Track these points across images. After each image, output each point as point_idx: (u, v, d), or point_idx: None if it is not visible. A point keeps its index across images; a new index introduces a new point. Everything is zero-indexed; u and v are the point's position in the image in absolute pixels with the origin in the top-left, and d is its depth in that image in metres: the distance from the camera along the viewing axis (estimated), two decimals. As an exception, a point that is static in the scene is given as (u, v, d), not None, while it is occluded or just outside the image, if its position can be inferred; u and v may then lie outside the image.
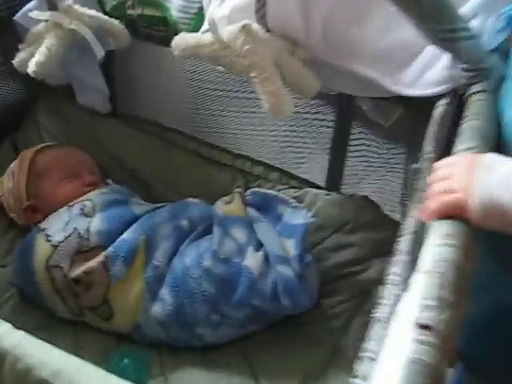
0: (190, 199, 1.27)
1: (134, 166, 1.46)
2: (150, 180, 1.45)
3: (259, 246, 1.12)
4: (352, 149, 1.33)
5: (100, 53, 1.21)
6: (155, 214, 1.20)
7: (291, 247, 1.10)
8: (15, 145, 1.53)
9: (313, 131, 1.34)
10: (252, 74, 0.97)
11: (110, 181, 1.39)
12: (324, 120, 1.31)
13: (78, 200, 1.26)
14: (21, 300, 1.24)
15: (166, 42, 1.26)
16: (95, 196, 1.25)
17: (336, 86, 1.13)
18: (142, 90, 1.52)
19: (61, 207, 1.24)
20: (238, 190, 1.28)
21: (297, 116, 1.33)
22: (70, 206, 1.24)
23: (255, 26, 1.00)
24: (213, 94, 1.46)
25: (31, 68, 1.17)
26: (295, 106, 1.28)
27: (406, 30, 0.88)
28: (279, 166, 1.43)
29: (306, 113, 1.31)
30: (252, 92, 1.38)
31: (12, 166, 1.37)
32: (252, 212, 1.20)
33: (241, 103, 1.43)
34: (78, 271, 1.12)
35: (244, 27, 0.98)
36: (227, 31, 1.00)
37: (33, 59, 1.17)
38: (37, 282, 1.15)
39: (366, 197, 1.31)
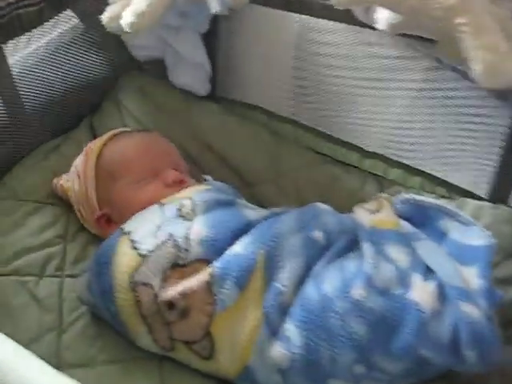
0: (319, 204, 0.96)
1: (236, 161, 1.18)
2: (255, 179, 1.16)
3: (427, 272, 0.80)
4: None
5: (215, 7, 0.93)
6: (277, 221, 0.90)
7: (474, 277, 0.78)
8: (92, 128, 1.26)
9: (478, 130, 1.02)
10: (458, 21, 0.66)
11: (208, 177, 1.10)
12: (496, 119, 0.99)
13: (172, 197, 0.97)
14: (93, 322, 0.97)
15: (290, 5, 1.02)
16: (195, 194, 0.96)
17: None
18: (248, 70, 1.23)
19: None
20: (384, 195, 0.96)
21: (458, 111, 1.01)
22: (163, 204, 0.95)
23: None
24: (338, 80, 1.15)
25: (127, 19, 0.90)
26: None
27: None
28: (421, 169, 1.11)
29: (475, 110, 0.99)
30: (390, 80, 1.07)
31: (77, 162, 1.11)
32: (406, 225, 0.89)
33: (374, 90, 1.11)
34: (172, 292, 0.84)
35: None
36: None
37: (128, 9, 0.90)
38: (116, 302, 0.87)
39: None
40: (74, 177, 1.09)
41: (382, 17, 0.83)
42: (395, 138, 1.14)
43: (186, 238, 0.87)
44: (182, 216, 0.91)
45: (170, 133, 1.20)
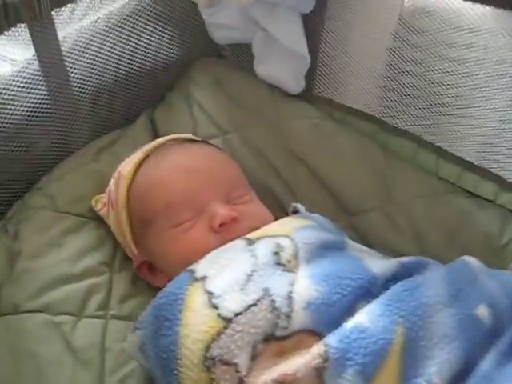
0: (471, 260, 0.69)
1: (336, 181, 0.92)
2: (359, 206, 0.91)
3: None
4: None
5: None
6: (419, 284, 0.64)
7: None
8: (154, 123, 1.01)
9: None
10: None
11: (300, 207, 0.84)
12: None
13: (263, 232, 0.72)
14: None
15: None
16: (295, 231, 0.71)
17: None
18: (354, 69, 0.97)
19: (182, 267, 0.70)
20: None
21: None
22: (251, 241, 0.70)
23: None
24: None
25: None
26: None
27: None
28: None
29: None
30: None
31: (110, 185, 0.86)
32: None
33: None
34: (265, 378, 0.58)
35: None
36: None
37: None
38: (180, 379, 0.63)
39: None
40: (108, 204, 0.85)
41: None
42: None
43: (289, 299, 0.61)
44: (281, 264, 0.66)
45: (249, 137, 0.96)
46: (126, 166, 0.84)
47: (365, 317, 0.60)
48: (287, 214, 0.91)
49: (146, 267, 0.82)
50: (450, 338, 0.58)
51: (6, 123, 0.83)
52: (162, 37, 0.98)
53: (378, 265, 0.68)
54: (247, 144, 0.95)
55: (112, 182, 0.86)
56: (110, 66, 0.95)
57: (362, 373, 0.57)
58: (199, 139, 0.92)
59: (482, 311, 0.61)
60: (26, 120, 0.86)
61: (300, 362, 0.58)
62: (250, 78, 0.99)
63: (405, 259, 0.70)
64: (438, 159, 0.91)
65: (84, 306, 0.79)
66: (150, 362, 0.67)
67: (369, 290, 0.63)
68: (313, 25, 0.92)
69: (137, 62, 0.97)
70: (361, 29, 0.97)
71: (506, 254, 0.83)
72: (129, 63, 0.96)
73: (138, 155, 0.85)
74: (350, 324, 0.59)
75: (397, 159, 0.92)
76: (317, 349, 0.58)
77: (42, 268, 0.80)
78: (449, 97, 0.94)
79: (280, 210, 0.92)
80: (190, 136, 0.92)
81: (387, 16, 0.95)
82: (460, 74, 0.92)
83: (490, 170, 0.89)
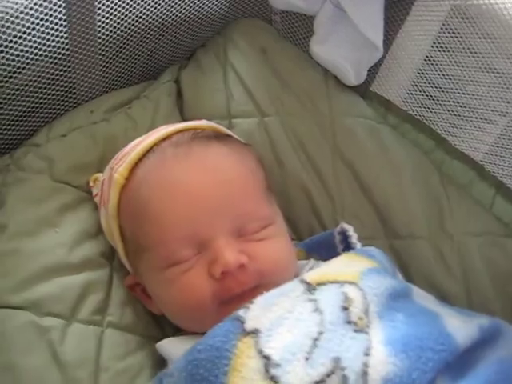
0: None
1: (384, 199, 0.78)
2: (406, 230, 0.78)
3: None
4: None
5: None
6: (508, 365, 0.53)
7: None
8: (178, 85, 0.84)
9: None
10: None
11: (350, 230, 0.71)
12: None
13: (323, 273, 0.59)
14: None
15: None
16: (362, 276, 0.58)
17: None
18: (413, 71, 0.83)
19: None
20: None
21: None
22: (310, 284, 0.57)
23: None
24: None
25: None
26: None
27: None
28: None
29: None
30: None
31: (104, 178, 0.70)
32: None
33: None
34: None
35: None
36: None
37: None
38: None
39: None
40: (100, 199, 0.69)
41: None
42: None
43: (364, 375, 0.49)
44: (353, 322, 0.53)
45: (292, 125, 0.82)
46: (120, 164, 0.67)
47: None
48: (321, 222, 0.79)
49: (141, 289, 0.68)
50: None
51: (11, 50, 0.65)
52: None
53: (459, 329, 0.57)
54: (288, 132, 0.81)
55: (105, 174, 0.70)
56: (142, 9, 0.76)
57: None
58: (220, 131, 0.74)
59: None
60: (32, 48, 0.67)
61: None
62: (302, 56, 0.83)
63: (484, 323, 0.60)
64: (496, 193, 0.80)
65: (78, 306, 0.65)
66: None
67: (449, 363, 0.52)
68: (395, 12, 0.77)
69: (171, 8, 0.80)
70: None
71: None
72: (161, 6, 0.78)
73: (135, 150, 0.67)
74: None
75: (453, 185, 0.80)
76: None
77: (32, 251, 0.64)
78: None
79: (314, 217, 0.80)
80: (205, 124, 0.74)
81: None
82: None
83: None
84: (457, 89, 0.80)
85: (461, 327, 0.57)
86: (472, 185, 0.81)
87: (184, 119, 0.82)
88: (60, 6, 0.67)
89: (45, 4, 0.66)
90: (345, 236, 0.70)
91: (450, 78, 0.79)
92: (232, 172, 0.65)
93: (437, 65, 0.80)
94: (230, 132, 0.76)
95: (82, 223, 0.69)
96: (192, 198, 0.61)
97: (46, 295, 0.63)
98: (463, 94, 0.80)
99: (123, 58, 0.78)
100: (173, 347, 0.60)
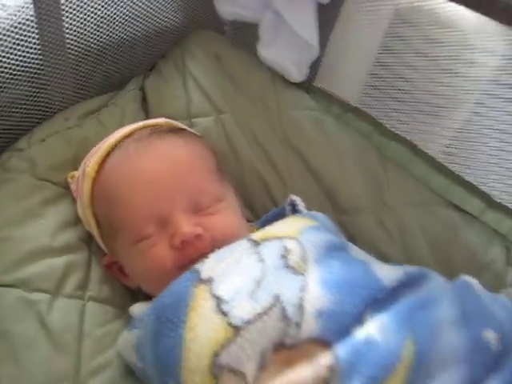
0: (473, 282, 0.69)
1: (332, 179, 0.89)
2: (351, 206, 0.89)
3: None
4: None
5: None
6: (427, 299, 0.63)
7: None
8: (143, 92, 0.95)
9: None
10: None
11: (298, 200, 0.81)
12: None
13: (268, 233, 0.69)
14: (123, 374, 0.71)
15: None
16: (301, 232, 0.69)
17: None
18: (355, 67, 0.95)
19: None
20: None
21: None
22: (256, 242, 0.67)
23: None
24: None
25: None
26: None
27: None
28: None
29: None
30: None
31: (79, 173, 0.80)
32: None
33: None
34: (274, 387, 0.56)
35: None
36: None
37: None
38: (182, 383, 0.59)
39: None
40: (76, 193, 0.79)
41: None
42: None
43: (300, 307, 0.59)
44: (291, 267, 0.63)
45: (245, 121, 0.92)
46: (91, 160, 0.78)
47: (376, 331, 0.59)
48: (275, 204, 0.89)
49: (117, 268, 0.78)
50: (458, 360, 0.59)
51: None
52: (164, 1, 0.92)
53: (385, 272, 0.67)
54: (242, 127, 0.92)
55: (79, 170, 0.80)
56: (105, 25, 0.88)
57: (370, 385, 0.56)
58: (175, 126, 0.85)
59: (490, 336, 0.61)
60: (11, 70, 0.78)
61: (308, 372, 0.57)
62: (251, 60, 0.94)
63: (409, 268, 0.70)
64: (430, 168, 0.91)
65: (62, 283, 0.75)
66: (146, 362, 0.64)
67: (378, 300, 0.62)
68: (327, 14, 0.88)
69: (132, 24, 0.91)
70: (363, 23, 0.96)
71: (488, 273, 0.84)
72: (124, 25, 0.90)
73: (102, 147, 0.78)
74: (360, 336, 0.58)
75: (392, 164, 0.90)
76: (326, 360, 0.57)
77: (19, 238, 0.74)
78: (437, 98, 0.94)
79: (269, 199, 0.90)
80: (163, 121, 0.85)
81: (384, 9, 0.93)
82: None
83: (480, 187, 0.90)
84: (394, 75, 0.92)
85: (388, 272, 0.67)
86: (408, 162, 0.91)
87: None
88: (33, 32, 0.78)
89: (23, 27, 0.77)
90: (294, 207, 0.81)
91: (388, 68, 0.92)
92: (184, 158, 0.76)
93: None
94: (184, 126, 0.86)
95: (62, 214, 0.79)
96: (151, 182, 0.72)
97: (33, 274, 0.72)
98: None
99: (93, 72, 0.89)
100: (142, 309, 0.70)
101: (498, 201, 0.89)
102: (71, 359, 0.69)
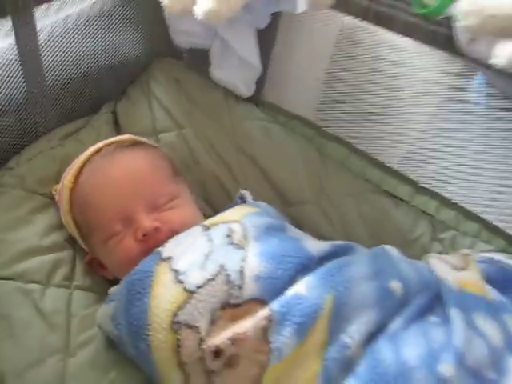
0: (390, 248, 0.84)
1: (278, 176, 1.05)
2: (297, 198, 1.04)
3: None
4: None
5: (302, 6, 0.80)
6: (347, 262, 0.78)
7: None
8: (115, 115, 1.11)
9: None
10: None
11: (247, 193, 0.96)
12: None
13: (217, 219, 0.84)
14: (106, 347, 0.84)
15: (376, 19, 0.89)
16: (244, 217, 0.84)
17: None
18: (297, 78, 1.11)
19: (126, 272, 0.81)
20: (466, 251, 0.85)
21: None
22: (207, 226, 0.82)
23: None
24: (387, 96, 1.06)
25: (204, 6, 0.76)
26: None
27: None
28: (481, 215, 1.00)
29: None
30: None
31: (59, 185, 0.95)
32: (493, 293, 0.78)
33: (427, 115, 1.02)
34: (222, 337, 0.70)
35: None
36: None
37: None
38: (150, 342, 0.74)
39: None
40: (59, 201, 0.94)
41: (504, 54, 0.72)
42: (450, 173, 1.06)
43: (241, 273, 0.74)
44: (234, 244, 0.78)
45: (205, 134, 1.07)
46: (68, 174, 0.92)
47: (303, 287, 0.73)
48: (232, 201, 1.04)
49: (97, 263, 0.91)
50: (369, 305, 0.73)
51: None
52: (130, 36, 1.08)
53: (315, 246, 0.81)
54: (200, 139, 1.06)
55: (60, 184, 0.94)
56: (78, 58, 1.03)
57: (298, 330, 0.70)
58: (136, 140, 0.99)
59: (395, 285, 0.76)
60: (0, 104, 0.94)
61: (249, 323, 0.70)
62: (206, 81, 1.10)
63: (337, 242, 0.85)
64: (366, 164, 1.06)
65: (51, 275, 0.88)
66: (121, 329, 0.77)
67: (307, 266, 0.76)
68: (266, 38, 1.04)
69: (104, 56, 1.07)
70: (306, 42, 1.12)
71: (417, 247, 0.99)
72: (97, 57, 1.05)
73: (77, 163, 0.93)
74: (290, 293, 0.72)
75: (331, 161, 1.06)
76: (263, 313, 0.71)
77: (14, 240, 0.88)
78: (379, 107, 1.10)
79: (226, 197, 1.05)
80: (126, 137, 0.99)
81: (329, 30, 1.10)
82: (389, 87, 1.09)
83: (408, 175, 1.05)
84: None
85: (318, 246, 0.82)
86: (347, 159, 1.06)
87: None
88: (18, 70, 0.93)
89: (9, 65, 0.92)
90: (243, 199, 0.96)
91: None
92: (143, 167, 0.91)
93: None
94: (144, 139, 1.00)
95: (49, 220, 0.93)
96: (116, 188, 0.87)
97: (27, 269, 0.86)
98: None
99: (71, 100, 1.04)
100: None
101: (428, 187, 1.04)
102: (62, 335, 0.83)
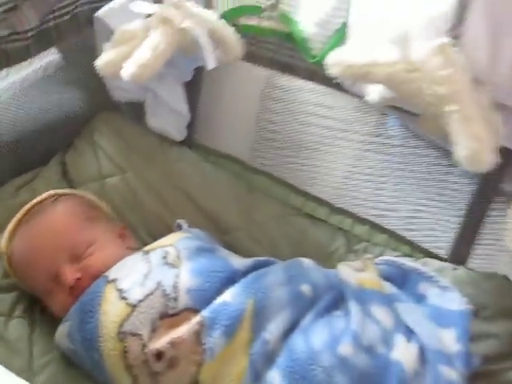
0: (304, 259, 0.99)
1: (211, 208, 1.19)
2: (229, 226, 1.19)
3: (409, 334, 0.85)
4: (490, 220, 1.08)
5: (212, 63, 0.96)
6: (265, 272, 0.93)
7: (452, 340, 0.84)
8: (64, 165, 1.24)
9: (444, 194, 1.10)
10: (448, 108, 0.73)
11: (183, 222, 1.11)
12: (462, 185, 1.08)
13: (155, 245, 0.98)
14: (65, 367, 0.96)
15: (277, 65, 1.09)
16: (177, 241, 0.99)
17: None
18: (226, 122, 1.27)
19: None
20: (367, 256, 1.02)
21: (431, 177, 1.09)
22: (146, 251, 0.96)
23: (452, 48, 0.77)
24: (314, 133, 1.22)
25: (129, 70, 0.91)
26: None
27: None
28: (386, 227, 1.17)
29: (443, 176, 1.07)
30: (370, 134, 1.15)
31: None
32: (388, 286, 0.94)
33: (353, 148, 1.19)
34: (162, 342, 0.84)
35: (441, 47, 0.75)
36: (416, 50, 0.77)
37: (131, 60, 0.91)
38: (101, 351, 0.87)
39: (506, 277, 1.06)
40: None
41: (374, 90, 0.89)
42: (361, 195, 1.22)
43: (175, 287, 0.88)
44: (169, 263, 0.92)
45: (145, 176, 1.21)
46: (2, 239, 1.02)
47: (228, 296, 0.88)
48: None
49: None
50: (284, 306, 0.88)
51: None
52: (72, 95, 1.23)
53: (240, 262, 0.97)
54: (141, 180, 1.20)
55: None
56: (28, 118, 1.17)
57: (226, 331, 0.84)
58: (62, 193, 1.09)
59: (305, 288, 0.91)
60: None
61: (185, 328, 0.85)
62: (144, 129, 1.24)
63: (259, 258, 1.00)
64: (287, 190, 1.23)
65: (13, 308, 1.01)
66: (76, 344, 0.90)
67: (232, 279, 0.91)
68: (192, 88, 1.21)
69: (50, 115, 1.21)
70: (232, 90, 1.28)
71: (334, 258, 1.14)
72: (43, 116, 1.20)
73: (9, 226, 1.03)
74: (218, 301, 0.87)
75: (257, 191, 1.21)
76: (196, 319, 0.85)
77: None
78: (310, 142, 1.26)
79: (167, 230, 1.15)
80: (46, 195, 1.07)
81: (254, 76, 1.26)
82: (316, 126, 1.25)
83: (324, 199, 1.22)
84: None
85: (242, 262, 0.97)
86: (270, 188, 1.23)
87: (71, 187, 1.21)
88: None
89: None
90: (180, 227, 1.10)
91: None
92: (60, 223, 1.01)
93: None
94: (68, 190, 1.13)
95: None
96: (40, 250, 0.97)
97: (-8, 304, 0.99)
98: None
99: (23, 154, 1.18)
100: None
101: (341, 207, 1.21)
102: (25, 359, 0.95)
